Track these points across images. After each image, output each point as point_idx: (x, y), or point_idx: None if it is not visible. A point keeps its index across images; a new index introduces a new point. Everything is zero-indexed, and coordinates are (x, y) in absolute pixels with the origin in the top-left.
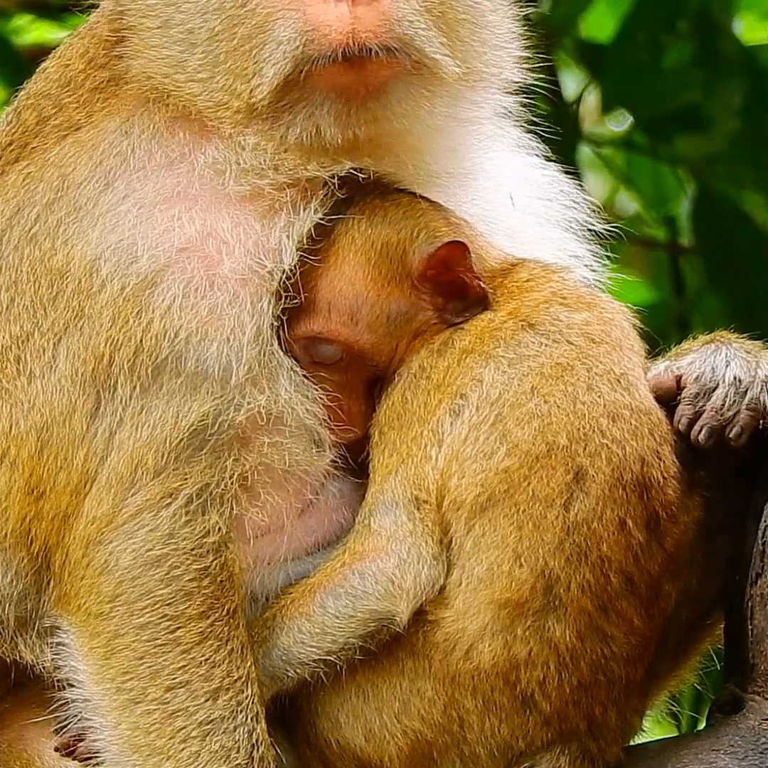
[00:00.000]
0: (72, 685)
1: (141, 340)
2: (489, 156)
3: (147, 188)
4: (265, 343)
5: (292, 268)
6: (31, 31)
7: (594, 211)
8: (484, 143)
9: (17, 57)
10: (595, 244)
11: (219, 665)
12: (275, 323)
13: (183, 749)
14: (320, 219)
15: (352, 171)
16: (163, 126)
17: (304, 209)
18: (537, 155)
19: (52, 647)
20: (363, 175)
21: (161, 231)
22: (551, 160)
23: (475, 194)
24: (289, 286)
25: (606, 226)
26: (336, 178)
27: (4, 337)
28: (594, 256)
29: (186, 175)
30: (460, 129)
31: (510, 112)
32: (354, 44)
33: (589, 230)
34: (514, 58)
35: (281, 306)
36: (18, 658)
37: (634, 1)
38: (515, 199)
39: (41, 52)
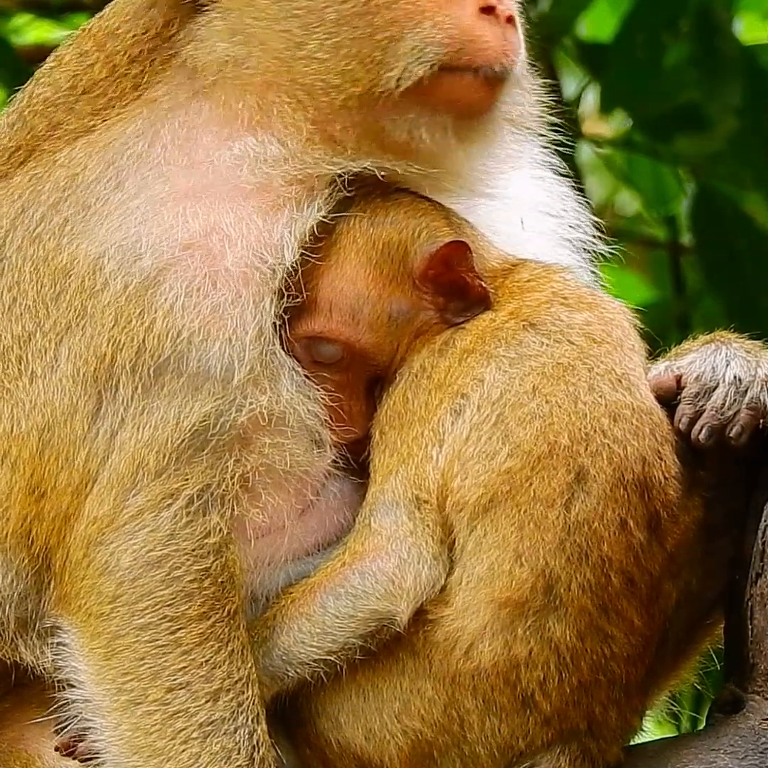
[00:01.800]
0: (72, 686)
1: (143, 340)
2: (505, 175)
3: (157, 187)
4: (267, 343)
5: (294, 265)
6: (30, 30)
7: (598, 229)
8: (504, 164)
9: (15, 58)
10: (597, 263)
11: (219, 666)
12: (277, 322)
13: (183, 750)
14: (323, 217)
15: (366, 168)
16: (183, 130)
17: (308, 207)
18: (550, 169)
19: (52, 648)
20: (379, 173)
21: (166, 228)
22: (557, 169)
23: (485, 212)
24: (291, 284)
25: (610, 248)
26: (345, 176)
27: (6, 338)
28: (597, 278)
29: (197, 174)
30: (494, 154)
31: (527, 126)
32: (500, 65)
33: (592, 250)
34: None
35: (283, 305)
36: (18, 659)
37: (634, 1)
38: (525, 221)
39: (41, 51)
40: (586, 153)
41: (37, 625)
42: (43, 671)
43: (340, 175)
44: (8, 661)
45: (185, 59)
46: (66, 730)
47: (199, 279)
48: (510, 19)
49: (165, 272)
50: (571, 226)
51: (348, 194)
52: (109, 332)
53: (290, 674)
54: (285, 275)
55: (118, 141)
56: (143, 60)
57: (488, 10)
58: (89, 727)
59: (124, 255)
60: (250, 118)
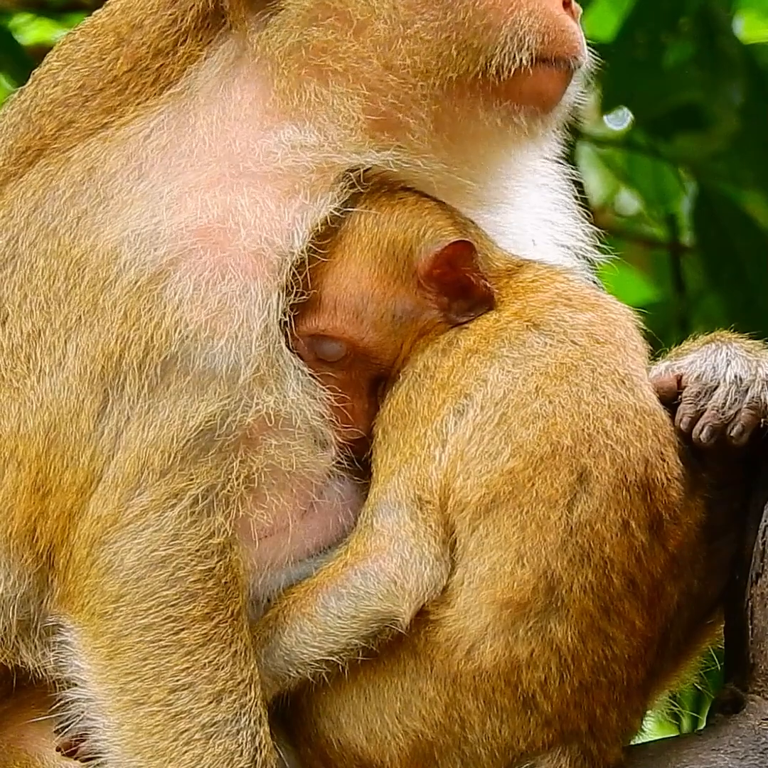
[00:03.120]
0: (74, 685)
1: (152, 337)
2: (520, 185)
3: (189, 176)
4: (274, 341)
5: (303, 257)
6: (30, 30)
7: (596, 234)
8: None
9: (22, 53)
10: (594, 269)
11: (223, 667)
12: (284, 319)
13: (186, 752)
14: (336, 209)
15: (389, 163)
16: (221, 121)
17: (321, 197)
18: (552, 174)
19: (54, 648)
20: (399, 168)
21: (187, 216)
22: (558, 176)
23: (490, 217)
24: (298, 280)
25: (609, 248)
26: (361, 169)
27: (15, 336)
28: (594, 285)
29: (230, 164)
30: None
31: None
32: (581, 59)
33: (588, 258)
34: None
35: (290, 301)
36: (20, 663)
37: (634, 1)
38: (531, 231)
39: (41, 51)
40: (586, 152)
41: (38, 628)
42: (43, 674)
43: (355, 169)
44: (9, 666)
45: (232, 48)
46: (67, 730)
47: (209, 270)
48: (579, 16)
49: (177, 263)
50: (568, 234)
51: (362, 190)
52: (118, 329)
53: (292, 674)
54: (293, 268)
55: (140, 134)
56: (168, 53)
57: (567, 4)
58: (91, 727)
59: (141, 244)
60: (301, 107)
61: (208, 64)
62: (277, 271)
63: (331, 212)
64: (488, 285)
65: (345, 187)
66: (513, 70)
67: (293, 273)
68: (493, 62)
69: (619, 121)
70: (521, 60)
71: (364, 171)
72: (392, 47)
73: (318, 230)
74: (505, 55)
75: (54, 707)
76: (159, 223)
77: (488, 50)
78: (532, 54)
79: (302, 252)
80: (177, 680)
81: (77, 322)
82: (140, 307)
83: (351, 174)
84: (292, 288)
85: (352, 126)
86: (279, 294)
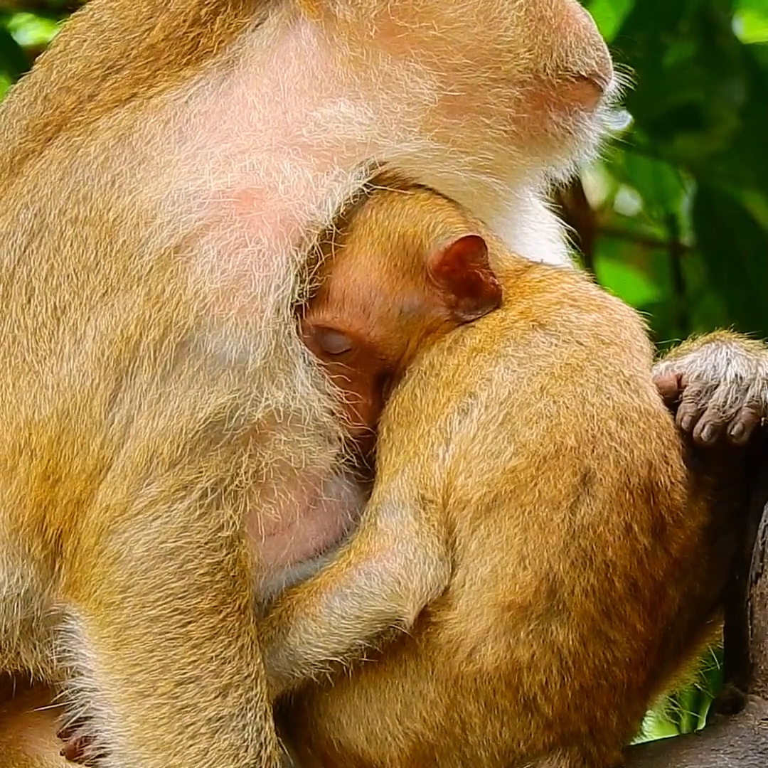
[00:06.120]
0: (80, 674)
1: (172, 314)
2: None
3: (240, 140)
4: (284, 324)
5: (326, 232)
6: (29, 30)
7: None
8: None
9: (20, 54)
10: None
11: (229, 661)
12: (297, 303)
13: (191, 746)
14: (364, 186)
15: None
16: (273, 90)
17: (353, 173)
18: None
19: (59, 637)
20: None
21: (228, 179)
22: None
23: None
24: (314, 267)
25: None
26: (385, 160)
27: (40, 313)
28: None
29: (282, 132)
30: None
31: None
32: (610, 83)
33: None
34: None
35: (304, 287)
36: (20, 668)
37: (634, 1)
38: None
39: (41, 51)
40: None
41: (40, 628)
42: (44, 676)
43: (384, 162)
44: (9, 672)
45: (283, 17)
46: (71, 731)
47: (236, 237)
48: None
49: (208, 229)
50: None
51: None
52: (139, 310)
53: (296, 675)
54: (315, 246)
55: (178, 101)
56: (205, 22)
57: None
58: (95, 719)
59: (180, 205)
60: (362, 80)
61: (257, 34)
62: (299, 246)
63: (360, 189)
64: (496, 282)
65: (369, 171)
66: (586, 72)
67: (311, 255)
68: (572, 60)
69: (619, 121)
70: (585, 67)
71: (384, 162)
72: (494, 17)
73: (345, 206)
74: (578, 57)
75: (54, 708)
76: (202, 184)
77: (559, 50)
78: (593, 66)
79: (327, 227)
80: (183, 673)
81: (102, 297)
82: (165, 280)
83: (377, 162)
84: (307, 273)
85: (415, 107)
86: (296, 276)
